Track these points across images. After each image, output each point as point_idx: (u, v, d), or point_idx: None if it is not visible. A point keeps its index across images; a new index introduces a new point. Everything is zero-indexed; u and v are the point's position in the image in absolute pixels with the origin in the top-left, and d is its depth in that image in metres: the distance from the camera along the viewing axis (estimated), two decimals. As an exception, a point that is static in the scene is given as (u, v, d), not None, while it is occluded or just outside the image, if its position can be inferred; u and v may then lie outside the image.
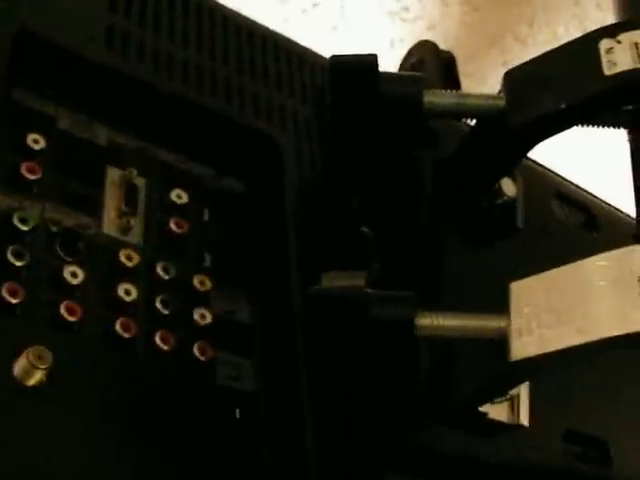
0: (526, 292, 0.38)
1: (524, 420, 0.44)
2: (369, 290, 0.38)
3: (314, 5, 1.03)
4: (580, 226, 0.51)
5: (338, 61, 0.41)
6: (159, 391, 0.45)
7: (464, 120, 0.45)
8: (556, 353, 0.37)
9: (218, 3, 0.56)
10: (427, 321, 0.38)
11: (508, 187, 0.46)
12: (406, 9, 1.04)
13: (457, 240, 0.45)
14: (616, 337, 0.36)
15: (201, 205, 0.50)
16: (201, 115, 0.51)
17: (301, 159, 0.51)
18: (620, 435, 0.48)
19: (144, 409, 0.44)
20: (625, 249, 0.37)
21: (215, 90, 0.51)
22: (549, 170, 0.52)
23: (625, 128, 0.43)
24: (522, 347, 0.38)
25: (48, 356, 0.39)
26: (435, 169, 0.46)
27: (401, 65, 0.50)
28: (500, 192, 0.46)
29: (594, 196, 0.53)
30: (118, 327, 0.44)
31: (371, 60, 0.41)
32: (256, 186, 0.52)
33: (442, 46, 0.52)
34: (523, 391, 0.44)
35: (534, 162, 0.51)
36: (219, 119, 0.51)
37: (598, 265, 0.37)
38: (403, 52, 0.54)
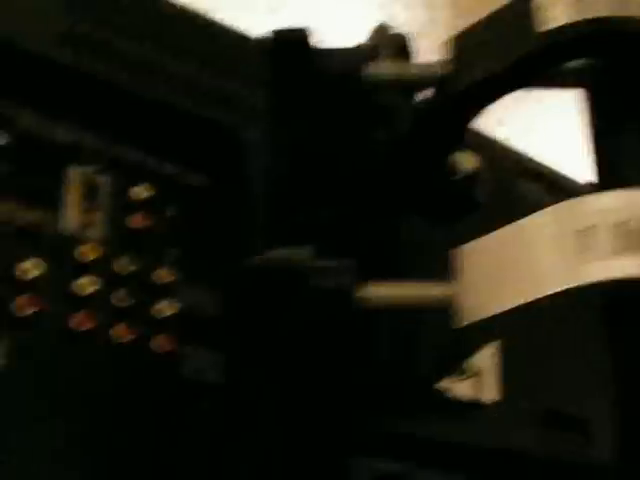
0: (469, 256, 0.37)
1: (492, 397, 0.43)
2: (311, 261, 0.38)
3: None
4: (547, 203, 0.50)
5: (268, 41, 0.40)
6: (119, 385, 0.44)
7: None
8: (504, 314, 0.36)
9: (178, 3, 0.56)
10: (369, 291, 0.37)
11: (467, 162, 0.45)
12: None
13: (416, 217, 0.44)
14: (562, 292, 0.35)
15: (166, 201, 0.50)
16: (164, 111, 0.50)
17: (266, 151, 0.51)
18: (599, 410, 0.46)
19: (104, 402, 0.43)
20: (563, 203, 0.36)
21: (175, 85, 0.51)
22: (514, 149, 0.51)
23: (579, 87, 0.41)
24: (468, 311, 0.36)
25: None
26: (391, 148, 0.45)
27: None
28: (459, 167, 0.45)
29: (561, 173, 0.52)
30: (74, 321, 0.44)
31: (303, 35, 0.40)
32: (221, 180, 0.51)
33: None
34: (489, 366, 0.43)
35: (498, 140, 0.50)
36: (181, 114, 0.51)
37: (537, 221, 0.36)
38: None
